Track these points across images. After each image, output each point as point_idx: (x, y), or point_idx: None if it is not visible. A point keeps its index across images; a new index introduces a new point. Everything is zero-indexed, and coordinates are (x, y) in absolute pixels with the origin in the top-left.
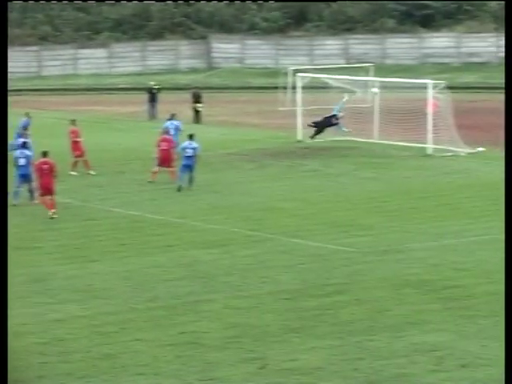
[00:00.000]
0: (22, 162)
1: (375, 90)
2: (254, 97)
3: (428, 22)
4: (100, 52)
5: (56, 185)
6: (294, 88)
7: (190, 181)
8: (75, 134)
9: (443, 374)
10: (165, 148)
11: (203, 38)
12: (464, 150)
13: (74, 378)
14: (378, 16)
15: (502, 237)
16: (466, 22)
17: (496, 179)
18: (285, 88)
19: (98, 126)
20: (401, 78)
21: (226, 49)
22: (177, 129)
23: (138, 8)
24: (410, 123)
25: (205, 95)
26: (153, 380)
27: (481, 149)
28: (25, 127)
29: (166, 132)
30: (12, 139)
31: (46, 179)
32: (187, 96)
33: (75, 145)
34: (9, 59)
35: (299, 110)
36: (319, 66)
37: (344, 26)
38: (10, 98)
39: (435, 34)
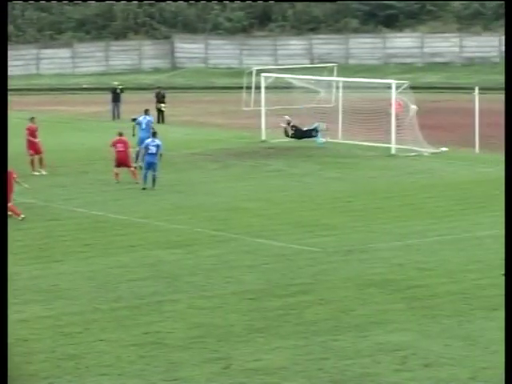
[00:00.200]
0: None
1: (414, 107)
2: (218, 97)
3: (391, 22)
4: (63, 52)
5: (13, 192)
6: (257, 88)
7: (153, 180)
8: (31, 131)
9: (407, 373)
10: (121, 149)
11: (167, 37)
12: (427, 150)
13: (38, 378)
14: (342, 16)
15: (465, 236)
16: (429, 23)
17: (459, 179)
18: (249, 88)
19: (62, 126)
20: (364, 78)
21: (189, 49)
22: (148, 124)
23: (101, 8)
24: (374, 123)
25: (168, 95)
26: (117, 380)
27: (444, 149)
28: None
29: (121, 133)
30: None
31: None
32: (151, 96)
33: (30, 143)
34: None
35: (263, 110)
36: (283, 65)
37: (308, 26)
38: None
39: (398, 34)
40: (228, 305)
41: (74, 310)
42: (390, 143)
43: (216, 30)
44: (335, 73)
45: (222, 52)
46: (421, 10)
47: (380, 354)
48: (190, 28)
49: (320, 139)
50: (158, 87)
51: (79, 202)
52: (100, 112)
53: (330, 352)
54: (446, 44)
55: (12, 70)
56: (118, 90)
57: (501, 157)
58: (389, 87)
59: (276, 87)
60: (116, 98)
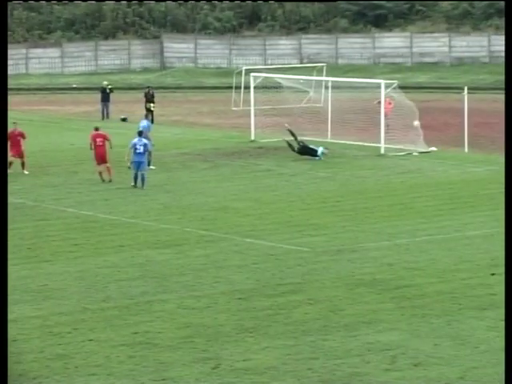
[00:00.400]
0: None
1: (417, 122)
2: (207, 97)
3: (380, 22)
4: (52, 51)
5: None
6: (247, 88)
7: (142, 180)
8: (12, 136)
9: (396, 373)
10: (101, 144)
11: (156, 37)
12: (417, 150)
13: (27, 378)
14: (331, 16)
15: (454, 236)
16: (419, 23)
17: (449, 179)
18: (238, 88)
19: (51, 126)
20: (354, 78)
21: (178, 48)
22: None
23: (90, 7)
24: (364, 123)
25: (158, 95)
26: (106, 380)
27: (433, 148)
28: None
29: (97, 128)
30: None
31: None
32: (140, 96)
33: (11, 147)
34: None
35: (252, 109)
36: (272, 65)
37: (297, 25)
38: None
39: (388, 34)
40: (217, 305)
41: (63, 310)
42: (379, 143)
43: (205, 29)
44: (324, 73)
45: (211, 52)
46: (410, 9)
47: (369, 354)
48: (180, 28)
49: (319, 157)
50: (148, 87)
51: (69, 202)
52: (89, 112)
53: (319, 352)
54: (435, 44)
55: None
56: (108, 90)
57: (490, 156)
58: (378, 87)
59: (265, 87)
60: (105, 98)
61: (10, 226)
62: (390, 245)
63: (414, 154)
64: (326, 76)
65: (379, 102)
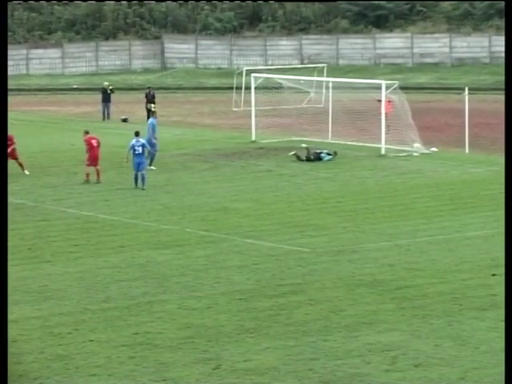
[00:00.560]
0: None
1: (418, 145)
2: (208, 97)
3: (381, 22)
4: (53, 52)
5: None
6: (247, 88)
7: (142, 180)
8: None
9: (397, 373)
10: (96, 145)
11: (157, 38)
12: (417, 151)
13: (27, 379)
14: (332, 16)
15: (455, 236)
16: (419, 23)
17: (449, 179)
18: (239, 88)
19: (52, 127)
20: (354, 79)
21: (179, 49)
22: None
23: (91, 8)
24: (364, 123)
25: (158, 95)
26: (106, 381)
27: (434, 149)
28: None
29: (87, 131)
30: None
31: None
32: (141, 96)
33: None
34: None
35: (253, 110)
36: (273, 66)
37: (298, 26)
38: None
39: (388, 35)
40: (218, 305)
41: (63, 311)
42: (380, 143)
43: (206, 30)
44: (325, 73)
45: (211, 52)
46: (411, 10)
47: (370, 355)
48: (180, 28)
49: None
50: (148, 87)
51: (69, 203)
52: (90, 112)
53: (320, 352)
54: (435, 44)
55: None
56: (108, 91)
57: (490, 157)
58: (379, 88)
59: (266, 88)
60: (106, 99)
61: (10, 227)
62: (390, 245)
63: (415, 154)
64: (327, 76)
65: (379, 101)
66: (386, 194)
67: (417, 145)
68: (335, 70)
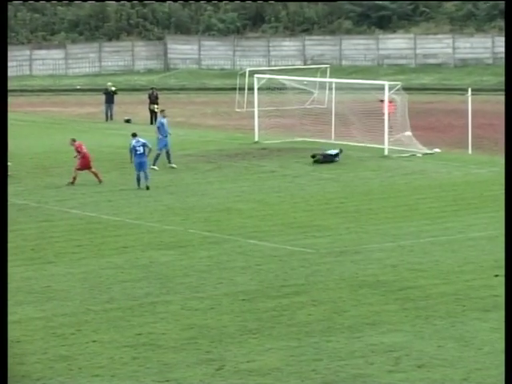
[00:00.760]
0: None
1: (408, 133)
2: (211, 98)
3: (384, 23)
4: (56, 53)
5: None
6: (250, 89)
7: (146, 178)
8: None
9: (400, 374)
10: (86, 150)
11: (160, 38)
12: (421, 151)
13: (30, 380)
14: (335, 17)
15: (458, 237)
16: (422, 24)
17: (452, 180)
18: (242, 89)
19: (55, 128)
20: (357, 80)
21: (182, 50)
22: (164, 125)
23: (94, 9)
24: (367, 124)
25: (161, 96)
26: (109, 382)
27: (437, 150)
28: None
29: (74, 139)
30: None
31: None
32: (144, 97)
33: None
34: None
35: (256, 111)
36: (276, 67)
37: (301, 27)
38: None
39: (391, 36)
40: (221, 306)
41: (66, 312)
42: (383, 144)
43: (209, 31)
44: (328, 74)
45: (214, 53)
46: (414, 11)
47: (373, 355)
48: (183, 29)
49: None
50: (151, 88)
51: (72, 203)
52: (93, 113)
53: (322, 353)
54: (438, 45)
55: None
56: (112, 91)
57: (493, 158)
58: (382, 88)
59: (269, 88)
60: (109, 99)
61: (13, 227)
62: (393, 246)
63: (418, 155)
64: (330, 77)
65: (381, 101)
66: (390, 194)
67: (407, 133)
68: (338, 70)
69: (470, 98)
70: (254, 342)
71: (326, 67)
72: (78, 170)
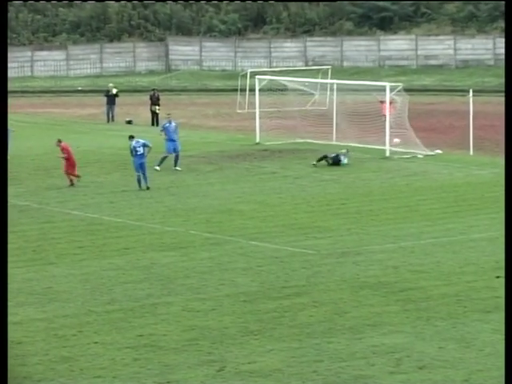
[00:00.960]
0: None
1: (396, 140)
2: (213, 99)
3: (386, 24)
4: (57, 54)
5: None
6: (252, 90)
7: (145, 179)
8: None
9: (401, 375)
10: (71, 154)
11: (161, 40)
12: (422, 153)
13: (31, 381)
14: (336, 18)
15: (459, 238)
16: (424, 25)
17: (454, 181)
18: (243, 90)
19: (56, 129)
20: (359, 81)
21: (184, 51)
22: (166, 129)
23: (95, 10)
24: (369, 125)
25: (163, 97)
26: (111, 383)
27: (438, 151)
28: None
29: (60, 140)
30: None
31: None
32: (145, 98)
33: None
34: None
35: (257, 112)
36: (277, 68)
37: (302, 28)
38: None
39: (393, 37)
40: (222, 307)
41: (67, 313)
42: (384, 145)
43: (210, 32)
44: (329, 75)
45: (216, 54)
46: (415, 12)
47: (374, 357)
48: (185, 30)
49: (344, 160)
50: (153, 89)
51: (74, 205)
52: (95, 114)
53: (324, 354)
54: (440, 46)
55: None
56: (113, 93)
57: (495, 159)
58: (383, 90)
59: (270, 89)
60: (111, 101)
61: (14, 229)
62: (395, 247)
63: (419, 156)
64: (331, 78)
65: (381, 102)
66: (391, 196)
67: (396, 140)
68: (339, 72)
69: (471, 99)
70: (255, 343)
71: (328, 68)
72: (68, 173)
